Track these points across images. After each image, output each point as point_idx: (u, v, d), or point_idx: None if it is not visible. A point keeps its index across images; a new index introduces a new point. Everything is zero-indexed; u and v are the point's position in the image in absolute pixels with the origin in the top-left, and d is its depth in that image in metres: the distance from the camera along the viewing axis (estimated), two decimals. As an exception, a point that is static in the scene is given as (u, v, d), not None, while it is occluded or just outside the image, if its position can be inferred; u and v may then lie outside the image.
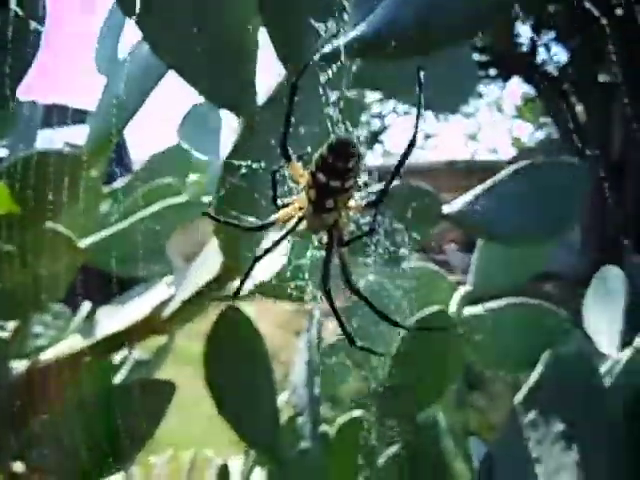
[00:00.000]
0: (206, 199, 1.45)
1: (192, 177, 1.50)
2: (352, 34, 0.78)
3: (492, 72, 9.36)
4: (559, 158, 1.40)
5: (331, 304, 0.67)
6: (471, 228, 1.28)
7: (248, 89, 0.88)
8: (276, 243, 0.69)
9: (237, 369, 1.29)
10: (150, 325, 1.40)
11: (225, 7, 0.88)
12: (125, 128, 1.25)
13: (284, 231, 0.67)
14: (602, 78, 8.90)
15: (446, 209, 1.23)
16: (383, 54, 0.79)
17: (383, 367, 1.23)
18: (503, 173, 1.32)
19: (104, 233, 1.39)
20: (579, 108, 9.14)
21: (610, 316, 1.39)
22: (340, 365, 1.45)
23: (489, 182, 1.32)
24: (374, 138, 10.76)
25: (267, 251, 0.68)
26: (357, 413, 1.42)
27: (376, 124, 11.16)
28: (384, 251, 1.04)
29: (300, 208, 0.69)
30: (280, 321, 4.53)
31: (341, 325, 0.66)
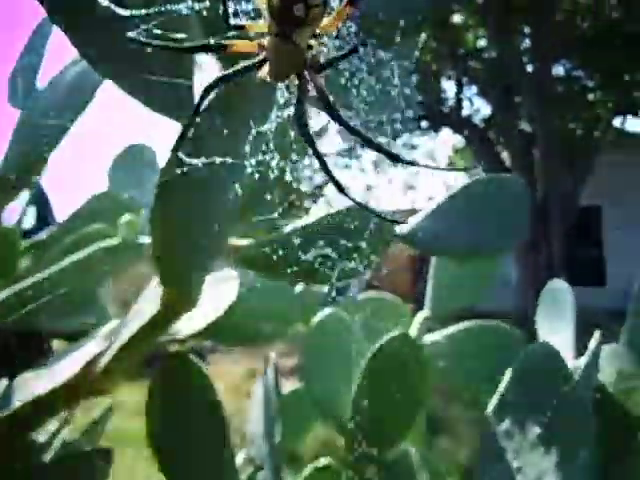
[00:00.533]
0: (142, 240, 1.35)
1: (125, 218, 1.40)
2: None
3: (424, 124, 9.78)
4: (501, 174, 1.40)
5: (316, 151, 0.55)
6: (423, 247, 1.24)
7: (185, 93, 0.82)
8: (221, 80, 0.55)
9: (186, 421, 1.16)
10: (81, 386, 1.25)
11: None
12: (44, 164, 1.16)
13: (235, 70, 0.54)
14: (523, 126, 9.46)
15: (398, 229, 1.19)
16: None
17: (347, 407, 1.14)
18: (450, 191, 1.30)
19: (18, 286, 1.25)
20: (504, 154, 9.62)
21: (563, 326, 1.38)
22: (302, 413, 1.35)
23: (438, 201, 1.30)
24: (318, 191, 10.91)
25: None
26: (324, 461, 1.31)
27: (318, 179, 11.32)
28: (338, 275, 0.98)
29: (259, 38, 0.52)
30: (231, 385, 4.33)
31: (327, 172, 0.55)
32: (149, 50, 0.52)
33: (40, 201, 2.01)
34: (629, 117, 9.05)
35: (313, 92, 0.52)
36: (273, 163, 0.61)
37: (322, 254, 0.83)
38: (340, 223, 1.10)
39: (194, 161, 0.70)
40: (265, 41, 0.51)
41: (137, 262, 1.35)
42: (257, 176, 0.65)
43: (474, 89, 10.08)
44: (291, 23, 0.49)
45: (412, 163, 0.52)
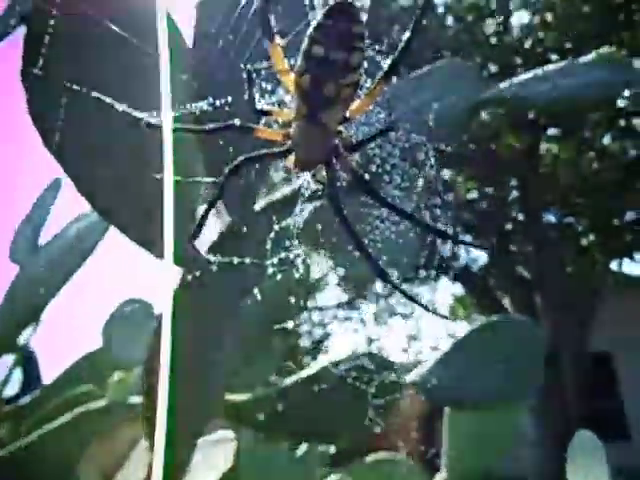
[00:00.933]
0: (133, 400, 1.26)
1: (116, 376, 1.32)
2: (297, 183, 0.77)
3: (422, 273, 9.89)
4: (510, 316, 1.35)
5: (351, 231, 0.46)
6: (434, 397, 1.15)
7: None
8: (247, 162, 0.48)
9: None
10: None
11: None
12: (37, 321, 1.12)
13: (262, 154, 0.47)
14: (521, 272, 9.56)
15: (408, 378, 1.11)
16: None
17: None
18: (459, 336, 1.24)
19: None
20: (505, 301, 9.59)
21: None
22: None
23: (448, 346, 1.23)
24: (318, 345, 10.72)
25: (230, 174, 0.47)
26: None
27: (318, 333, 11.21)
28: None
29: (286, 126, 0.49)
30: None
31: (367, 256, 0.47)
32: (171, 133, 0.49)
33: (29, 362, 1.93)
34: (626, 260, 9.17)
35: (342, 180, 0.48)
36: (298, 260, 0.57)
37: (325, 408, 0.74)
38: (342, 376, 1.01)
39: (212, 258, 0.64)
40: (291, 129, 0.48)
41: (126, 424, 1.25)
42: (279, 276, 0.60)
43: (469, 238, 10.36)
44: (321, 103, 0.45)
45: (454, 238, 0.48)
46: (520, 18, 8.92)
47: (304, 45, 0.45)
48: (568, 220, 9.40)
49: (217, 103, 0.50)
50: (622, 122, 8.58)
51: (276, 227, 0.57)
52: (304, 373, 1.09)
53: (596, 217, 8.69)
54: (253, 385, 1.21)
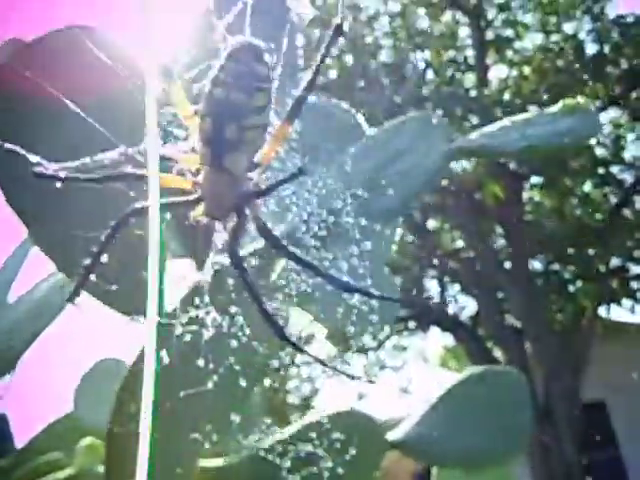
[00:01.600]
0: (102, 468, 1.19)
1: (85, 442, 1.25)
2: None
3: (411, 325, 9.82)
4: (494, 367, 1.32)
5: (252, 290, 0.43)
6: (419, 455, 1.10)
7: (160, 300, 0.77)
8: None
9: None
10: None
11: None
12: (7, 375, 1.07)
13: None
14: (511, 321, 9.53)
15: (390, 436, 1.06)
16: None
17: None
18: (442, 389, 1.20)
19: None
20: (497, 353, 9.51)
21: None
22: None
23: (430, 401, 1.19)
24: (306, 403, 10.46)
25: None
26: None
27: (306, 388, 10.98)
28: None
29: (194, 175, 0.46)
30: None
31: (266, 315, 0.44)
32: (61, 184, 0.45)
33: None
34: (613, 306, 9.19)
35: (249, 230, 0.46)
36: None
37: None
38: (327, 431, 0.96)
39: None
40: (200, 177, 0.45)
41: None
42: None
43: (457, 287, 10.36)
44: (223, 147, 0.43)
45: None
46: (498, 72, 9.26)
47: (206, 87, 0.44)
48: (554, 267, 9.46)
49: (129, 151, 0.47)
50: (601, 170, 8.78)
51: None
52: (282, 435, 1.05)
53: (582, 264, 8.75)
54: (229, 449, 1.15)
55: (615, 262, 9.03)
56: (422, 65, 8.93)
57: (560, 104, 0.79)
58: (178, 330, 0.59)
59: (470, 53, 9.02)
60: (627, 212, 8.99)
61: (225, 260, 0.47)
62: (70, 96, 0.55)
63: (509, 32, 8.81)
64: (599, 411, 9.80)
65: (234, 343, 0.55)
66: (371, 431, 1.08)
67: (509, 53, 8.79)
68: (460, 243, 9.89)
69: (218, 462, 0.98)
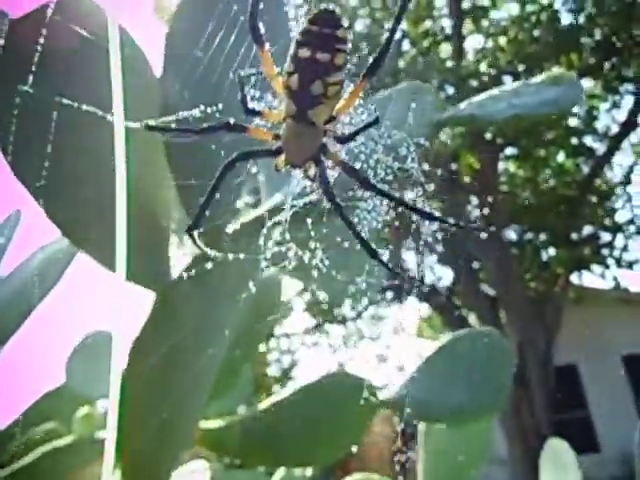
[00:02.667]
0: (100, 434, 1.22)
1: (81, 412, 1.27)
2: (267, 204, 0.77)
3: (389, 295, 9.94)
4: (477, 329, 1.37)
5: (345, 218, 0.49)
6: (411, 413, 1.15)
7: (163, 264, 0.79)
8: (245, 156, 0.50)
9: None
10: None
11: (140, 187, 0.83)
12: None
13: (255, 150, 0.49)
14: (486, 289, 9.72)
15: (381, 395, 1.11)
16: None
17: None
18: (431, 351, 1.25)
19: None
20: (472, 318, 9.71)
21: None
22: None
23: (420, 363, 1.24)
24: (285, 375, 10.59)
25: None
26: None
27: (287, 360, 11.09)
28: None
29: (275, 127, 0.51)
30: None
31: (358, 236, 0.49)
32: (170, 135, 0.51)
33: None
34: (585, 273, 9.42)
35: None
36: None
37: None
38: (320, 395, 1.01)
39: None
40: (281, 130, 0.50)
41: (96, 460, 1.21)
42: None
43: (434, 258, 10.49)
44: (309, 102, 0.48)
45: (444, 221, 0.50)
46: (474, 42, 9.25)
47: (291, 49, 0.48)
48: (528, 236, 9.63)
49: (208, 110, 0.52)
50: (574, 140, 8.90)
51: (269, 223, 0.59)
52: (279, 395, 1.08)
53: (555, 232, 8.92)
54: (224, 413, 1.19)
55: (587, 230, 9.24)
56: (398, 36, 8.86)
57: (544, 75, 0.82)
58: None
59: (446, 23, 8.99)
60: (598, 181, 9.17)
61: (301, 202, 0.52)
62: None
63: (485, 1, 8.79)
64: (571, 374, 10.13)
65: (314, 273, 0.59)
66: (362, 390, 1.13)
67: (485, 23, 8.77)
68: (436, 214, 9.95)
69: (218, 423, 1.02)
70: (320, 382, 1.08)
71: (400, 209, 0.51)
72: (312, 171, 0.49)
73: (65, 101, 0.58)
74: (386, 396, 1.16)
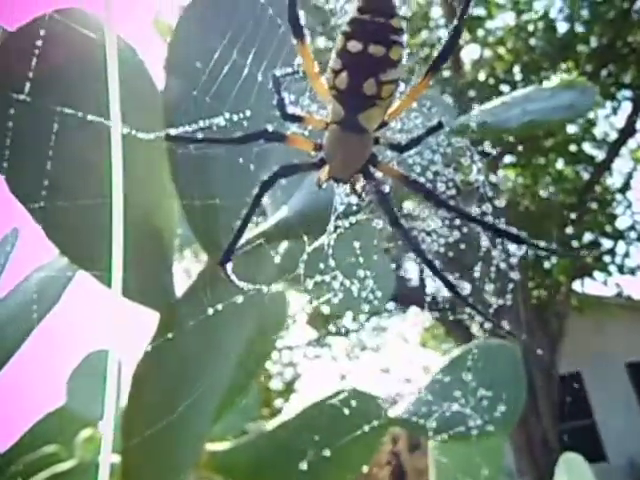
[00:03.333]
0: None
1: (83, 434, 1.24)
2: (270, 221, 0.75)
3: (391, 306, 9.90)
4: (490, 342, 1.34)
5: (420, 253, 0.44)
6: (419, 429, 1.11)
7: (167, 284, 0.77)
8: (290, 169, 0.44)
9: None
10: None
11: (141, 203, 0.81)
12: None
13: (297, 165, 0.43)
14: (488, 298, 9.65)
15: (391, 413, 1.08)
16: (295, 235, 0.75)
17: None
18: (441, 364, 1.22)
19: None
20: (474, 328, 9.65)
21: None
22: None
23: (430, 380, 1.21)
24: (289, 387, 10.51)
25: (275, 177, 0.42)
26: None
27: (289, 372, 11.02)
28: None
29: (317, 136, 0.45)
30: None
31: (437, 273, 0.45)
32: (203, 144, 0.46)
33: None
34: (587, 280, 9.38)
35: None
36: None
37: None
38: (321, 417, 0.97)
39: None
40: (325, 138, 0.43)
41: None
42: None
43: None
44: (360, 104, 0.41)
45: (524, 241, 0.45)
46: (471, 52, 9.27)
47: (338, 42, 0.41)
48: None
49: (234, 118, 0.47)
50: (573, 147, 8.91)
51: (308, 248, 0.53)
52: (286, 415, 1.05)
53: (556, 240, 8.90)
54: (230, 433, 1.15)
55: (588, 237, 9.21)
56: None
57: (556, 80, 0.80)
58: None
59: (443, 33, 9.02)
60: (598, 188, 9.15)
61: (346, 223, 0.47)
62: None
63: (481, 11, 8.83)
64: (575, 382, 10.06)
65: (365, 307, 0.55)
66: (374, 408, 1.09)
67: (481, 32, 8.81)
68: (435, 224, 9.95)
69: (224, 445, 0.98)
70: (329, 400, 1.04)
71: (474, 227, 0.45)
72: (359, 185, 0.44)
73: (67, 110, 0.56)
74: (397, 413, 1.13)
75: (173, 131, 0.48)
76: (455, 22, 0.43)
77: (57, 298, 1.08)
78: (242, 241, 0.77)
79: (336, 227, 0.49)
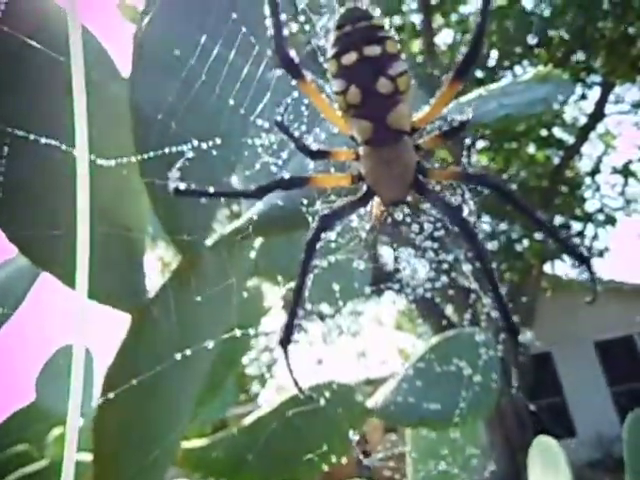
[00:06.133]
0: (78, 457, 1.15)
1: (54, 433, 1.21)
2: (247, 215, 0.73)
3: (366, 290, 9.95)
4: (463, 331, 1.35)
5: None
6: (396, 419, 1.12)
7: (137, 285, 0.75)
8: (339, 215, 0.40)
9: None
10: None
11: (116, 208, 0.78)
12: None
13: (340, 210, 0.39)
14: (462, 281, 9.77)
15: (369, 403, 1.08)
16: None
17: None
18: (416, 356, 1.22)
19: None
20: (448, 310, 9.78)
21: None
22: None
23: (407, 368, 1.22)
24: (267, 371, 10.53)
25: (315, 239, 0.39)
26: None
27: (266, 357, 11.03)
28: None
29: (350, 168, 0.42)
30: None
31: (502, 308, 0.42)
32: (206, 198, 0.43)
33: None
34: (557, 262, 9.56)
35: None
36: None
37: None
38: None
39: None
40: (361, 166, 0.40)
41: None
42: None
43: (410, 251, 10.52)
44: (382, 105, 0.39)
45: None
46: (445, 37, 9.27)
47: (332, 66, 0.39)
48: (502, 227, 9.74)
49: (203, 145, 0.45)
50: (543, 132, 9.01)
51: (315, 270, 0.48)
52: (263, 410, 1.04)
53: (528, 223, 9.03)
54: (206, 426, 1.14)
55: (558, 220, 9.38)
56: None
57: (532, 73, 0.79)
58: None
59: (416, 19, 8.99)
60: (568, 172, 9.30)
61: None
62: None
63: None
64: (546, 362, 10.30)
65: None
66: (352, 400, 1.09)
67: (454, 17, 8.81)
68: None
69: (201, 442, 0.97)
70: (310, 392, 1.03)
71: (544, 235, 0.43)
72: (412, 198, 0.40)
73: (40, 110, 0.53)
74: (373, 404, 1.13)
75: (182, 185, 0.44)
76: (478, 19, 0.41)
77: (23, 296, 1.05)
78: (217, 236, 0.75)
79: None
